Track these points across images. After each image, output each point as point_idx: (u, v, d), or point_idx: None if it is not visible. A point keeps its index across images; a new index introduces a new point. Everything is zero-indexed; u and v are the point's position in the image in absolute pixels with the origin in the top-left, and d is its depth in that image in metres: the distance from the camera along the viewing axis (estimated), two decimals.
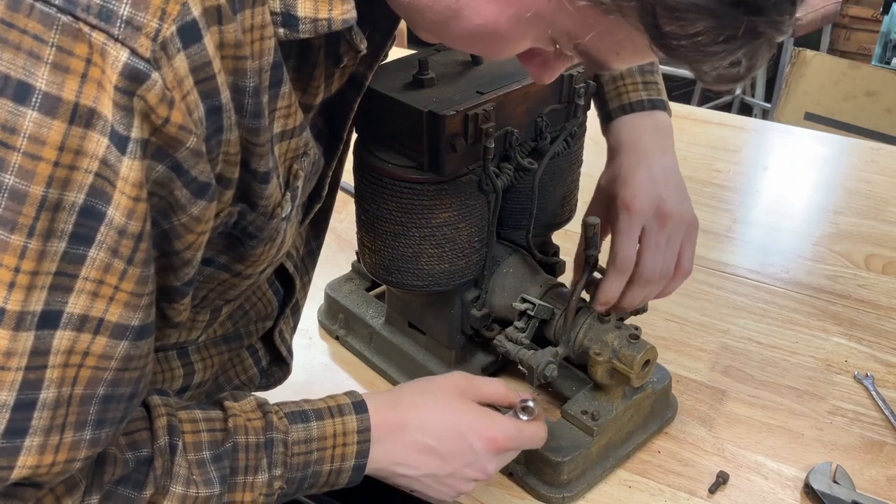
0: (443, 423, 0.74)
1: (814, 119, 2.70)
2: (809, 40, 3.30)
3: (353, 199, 0.89)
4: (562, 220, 0.97)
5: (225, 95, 0.53)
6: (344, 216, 1.26)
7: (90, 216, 0.49)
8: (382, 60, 0.72)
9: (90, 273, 0.51)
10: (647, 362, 0.84)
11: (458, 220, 0.83)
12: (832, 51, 3.55)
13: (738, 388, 1.01)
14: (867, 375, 1.02)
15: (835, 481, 0.87)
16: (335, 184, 0.79)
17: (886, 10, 3.13)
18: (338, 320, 1.08)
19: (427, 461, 0.74)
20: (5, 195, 0.47)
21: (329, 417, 0.71)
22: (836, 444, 0.94)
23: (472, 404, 0.76)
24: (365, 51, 0.63)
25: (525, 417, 0.78)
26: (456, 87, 0.81)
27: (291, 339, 0.90)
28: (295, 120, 0.62)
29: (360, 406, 0.72)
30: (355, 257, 1.11)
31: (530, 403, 0.78)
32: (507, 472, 0.89)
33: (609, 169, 0.90)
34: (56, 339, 0.51)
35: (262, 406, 0.70)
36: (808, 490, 0.87)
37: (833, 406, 0.99)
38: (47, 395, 0.52)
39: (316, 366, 1.05)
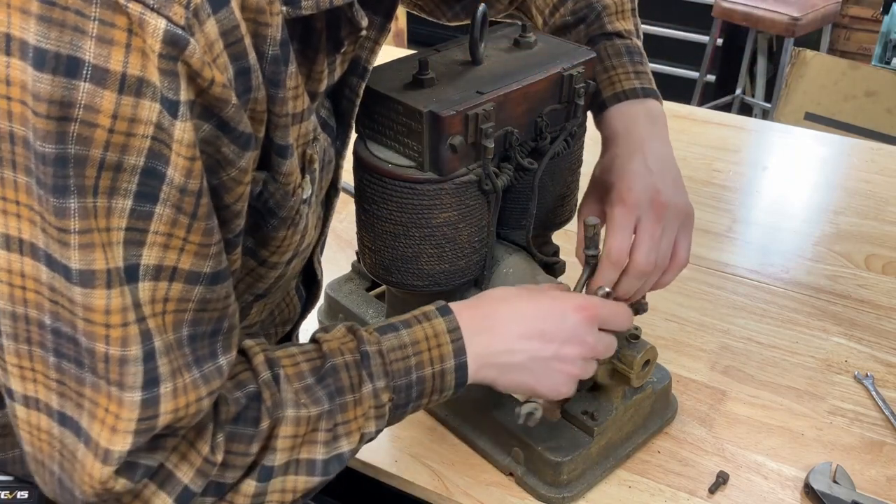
0: (530, 305, 0.75)
1: (814, 119, 2.70)
2: (809, 40, 3.31)
3: (352, 199, 0.89)
4: (562, 220, 0.97)
5: (252, 57, 0.54)
6: (344, 216, 1.26)
7: (152, 177, 0.51)
8: (382, 44, 0.73)
9: (159, 227, 0.53)
10: (647, 362, 0.84)
11: (458, 220, 0.83)
12: (832, 51, 3.55)
13: (738, 388, 1.01)
14: (867, 375, 1.02)
15: (835, 481, 0.87)
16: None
17: (886, 10, 3.13)
18: (338, 320, 1.08)
19: (526, 345, 0.74)
20: (72, 165, 0.49)
21: (417, 324, 0.72)
22: (836, 444, 0.94)
23: (549, 290, 0.78)
24: (365, 31, 0.64)
25: (602, 294, 0.80)
26: (456, 87, 0.81)
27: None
28: (303, 103, 0.63)
29: (444, 309, 0.74)
30: (355, 257, 1.11)
31: (606, 289, 0.80)
32: (508, 472, 0.89)
33: (603, 159, 0.89)
34: (140, 291, 0.54)
35: (351, 329, 0.71)
36: (808, 490, 0.87)
37: (833, 406, 0.99)
38: (158, 342, 0.56)
39: None
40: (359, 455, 0.91)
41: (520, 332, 0.74)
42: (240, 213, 0.60)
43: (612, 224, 0.83)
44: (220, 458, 0.62)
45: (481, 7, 0.83)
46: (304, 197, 0.67)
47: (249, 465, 0.64)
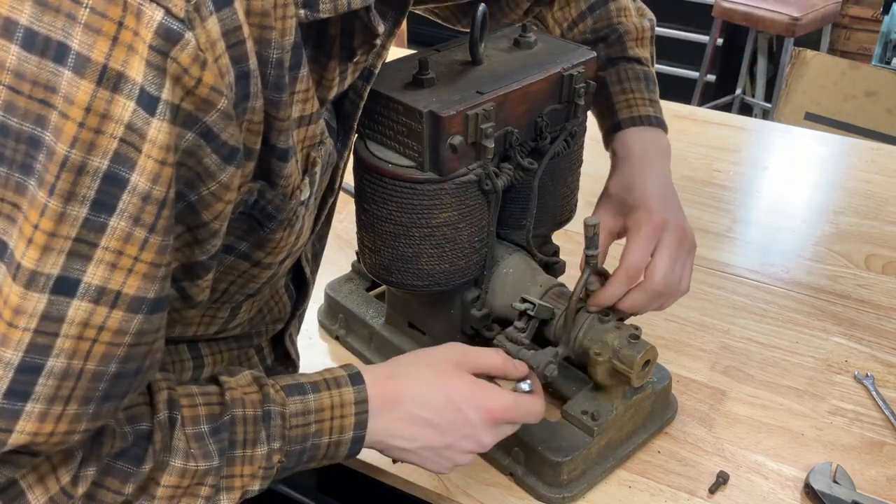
0: (438, 395, 0.73)
1: (814, 119, 2.70)
2: (809, 40, 3.30)
3: (353, 199, 0.89)
4: (562, 220, 0.97)
5: (252, 62, 0.53)
6: (344, 216, 1.26)
7: (113, 183, 0.49)
8: (389, 49, 0.73)
9: (110, 243, 0.50)
10: (647, 362, 0.84)
11: (458, 220, 0.83)
12: (832, 51, 3.55)
13: (738, 388, 1.01)
14: (867, 375, 1.02)
15: (835, 481, 0.87)
16: (341, 182, 0.80)
17: (886, 10, 3.13)
18: (338, 320, 1.08)
19: (423, 433, 0.73)
20: (43, 151, 0.48)
21: (326, 389, 0.71)
22: (836, 444, 0.94)
23: (467, 376, 0.75)
24: (380, 42, 0.64)
25: (525, 388, 0.78)
26: (456, 87, 0.81)
27: (296, 340, 0.91)
28: (312, 106, 0.63)
29: (356, 378, 0.72)
30: (355, 257, 1.11)
31: (528, 383, 0.78)
32: (508, 472, 0.89)
33: (619, 176, 0.91)
34: (72, 308, 0.51)
35: (258, 380, 0.70)
36: (809, 490, 0.87)
37: (833, 406, 0.99)
38: (56, 363, 0.52)
39: (316, 366, 1.03)
40: (359, 455, 0.91)
41: (417, 419, 0.73)
42: (217, 232, 0.58)
43: (637, 239, 0.84)
44: (80, 490, 0.58)
45: (481, 7, 0.83)
46: (303, 199, 0.66)
47: None
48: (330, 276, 1.10)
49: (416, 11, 1.00)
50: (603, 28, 0.96)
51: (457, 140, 0.77)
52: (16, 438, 0.53)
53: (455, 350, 0.77)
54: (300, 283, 0.85)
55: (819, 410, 0.98)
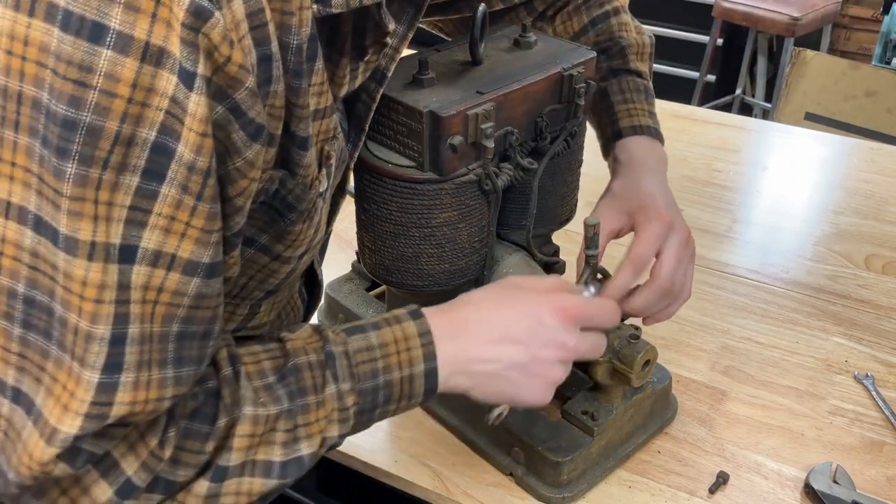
0: (506, 309, 0.72)
1: (814, 119, 2.70)
2: (809, 40, 3.31)
3: (353, 199, 0.89)
4: (562, 220, 0.97)
5: (274, 45, 0.54)
6: (344, 216, 1.26)
7: (161, 153, 0.51)
8: (402, 52, 0.73)
9: (162, 209, 0.52)
10: (647, 362, 0.84)
11: (458, 220, 0.83)
12: (832, 51, 3.55)
13: (738, 388, 1.01)
14: (867, 375, 1.02)
15: (835, 481, 0.87)
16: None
17: (886, 10, 3.13)
18: (338, 320, 1.08)
19: (504, 350, 0.70)
20: (83, 132, 0.49)
21: (387, 326, 0.70)
22: (836, 444, 0.94)
23: (528, 289, 0.74)
24: (391, 43, 0.64)
25: (592, 292, 0.77)
26: (456, 87, 0.81)
27: None
28: (326, 100, 0.63)
29: (415, 313, 0.71)
30: (355, 257, 1.11)
31: (592, 289, 0.77)
32: (508, 472, 0.89)
33: (623, 177, 0.91)
34: (134, 274, 0.53)
35: (317, 329, 0.70)
36: (809, 490, 0.87)
37: (833, 406, 0.99)
38: (134, 329, 0.54)
39: None
40: (359, 455, 0.91)
41: (494, 337, 0.71)
42: (241, 209, 0.59)
43: (645, 234, 0.84)
44: (168, 453, 0.60)
45: (481, 7, 0.83)
46: (321, 190, 0.67)
47: (203, 465, 0.62)
48: (330, 276, 1.10)
49: (421, 25, 1.01)
50: (605, 41, 0.98)
51: (457, 140, 0.77)
52: (117, 410, 0.54)
53: (514, 277, 0.77)
54: (312, 286, 0.86)
55: (819, 410, 0.98)
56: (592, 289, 0.77)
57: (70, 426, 0.54)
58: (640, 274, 0.83)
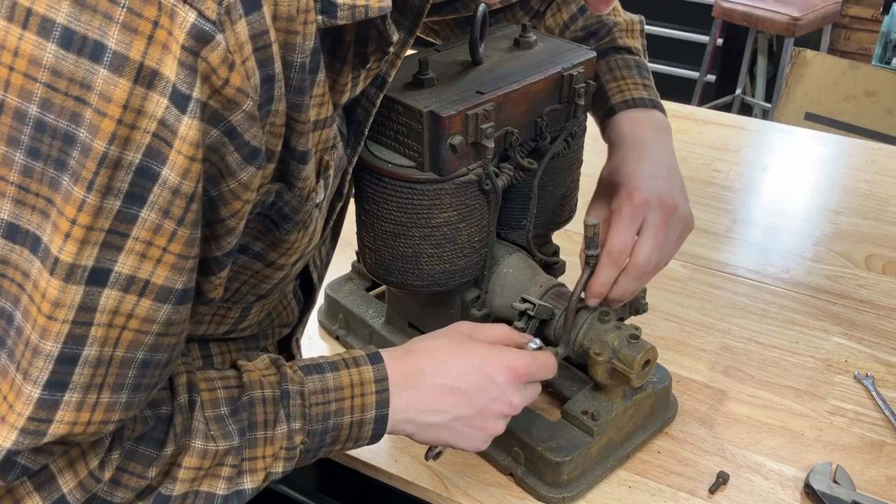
0: (459, 362, 0.73)
1: (814, 119, 2.70)
2: (809, 40, 3.31)
3: (353, 199, 0.89)
4: (562, 220, 0.97)
5: (277, 66, 0.54)
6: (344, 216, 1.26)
7: (144, 176, 0.50)
8: (402, 58, 0.73)
9: (140, 234, 0.52)
10: (647, 362, 0.84)
11: (458, 220, 0.83)
12: (832, 51, 3.55)
13: (738, 388, 1.01)
14: (867, 375, 1.02)
15: (835, 481, 0.87)
16: (350, 188, 0.80)
17: (886, 10, 3.13)
18: (338, 320, 1.08)
19: (452, 402, 0.72)
20: (77, 148, 0.49)
21: (344, 368, 0.70)
22: (836, 444, 0.94)
23: (482, 343, 0.76)
24: (392, 50, 0.65)
25: (534, 346, 0.79)
26: (456, 87, 0.81)
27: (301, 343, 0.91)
28: (327, 110, 0.63)
29: (374, 357, 0.72)
30: (355, 257, 1.11)
31: (537, 341, 0.80)
32: (508, 472, 0.89)
33: (611, 161, 0.90)
34: (103, 297, 0.52)
35: (275, 362, 0.70)
36: (809, 490, 0.87)
37: (833, 406, 0.99)
38: (90, 352, 0.53)
39: None
40: (359, 455, 0.91)
41: (445, 389, 0.72)
42: (233, 230, 0.59)
43: (617, 221, 0.83)
44: (108, 474, 0.59)
45: (481, 7, 0.83)
46: (318, 201, 0.67)
47: (143, 489, 0.62)
48: (330, 276, 1.10)
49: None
50: (593, 24, 0.98)
51: (457, 140, 0.77)
52: (55, 428, 0.54)
53: (465, 324, 0.79)
54: (308, 290, 0.86)
55: (819, 410, 0.98)
56: (534, 345, 0.79)
57: (4, 439, 0.53)
58: (619, 264, 0.82)
